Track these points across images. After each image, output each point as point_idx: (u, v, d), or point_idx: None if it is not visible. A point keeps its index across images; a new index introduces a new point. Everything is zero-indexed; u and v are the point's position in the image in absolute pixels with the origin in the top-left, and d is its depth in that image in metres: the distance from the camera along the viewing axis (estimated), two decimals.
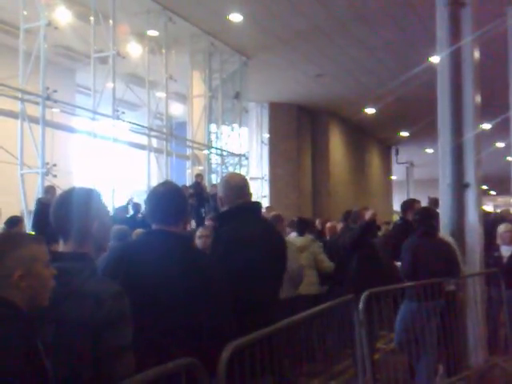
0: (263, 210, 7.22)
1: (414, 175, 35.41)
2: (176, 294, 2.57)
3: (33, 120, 11.68)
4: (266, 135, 22.28)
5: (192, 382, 2.43)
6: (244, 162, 18.71)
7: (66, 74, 16.13)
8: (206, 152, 17.44)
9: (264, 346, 3.00)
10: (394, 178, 34.55)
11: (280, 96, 21.32)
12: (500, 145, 25.65)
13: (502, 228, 7.41)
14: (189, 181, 16.47)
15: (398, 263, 5.99)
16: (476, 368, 6.34)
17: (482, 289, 6.69)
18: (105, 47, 13.07)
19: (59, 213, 2.35)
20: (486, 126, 19.15)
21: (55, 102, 11.83)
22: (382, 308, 5.38)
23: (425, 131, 20.12)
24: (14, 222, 8.22)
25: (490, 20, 9.68)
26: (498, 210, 16.79)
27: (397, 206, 24.63)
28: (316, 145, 24.01)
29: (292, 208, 19.76)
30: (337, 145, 25.24)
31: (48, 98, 11.38)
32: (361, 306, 4.70)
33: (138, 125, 15.10)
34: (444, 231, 6.47)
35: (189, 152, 17.39)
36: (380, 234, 9.98)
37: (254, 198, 3.59)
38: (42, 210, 9.31)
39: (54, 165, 11.46)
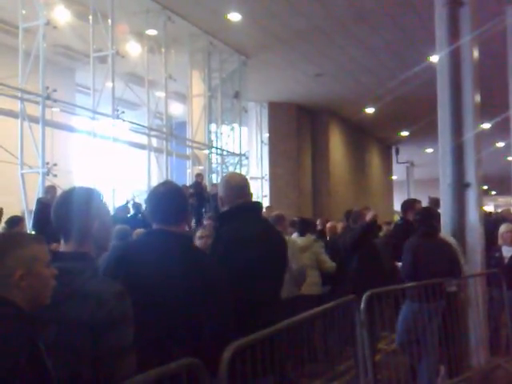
0: (263, 210, 7.21)
1: (414, 175, 35.44)
2: (176, 294, 2.56)
3: (33, 119, 11.68)
4: (266, 135, 22.28)
5: (193, 382, 2.42)
6: (244, 162, 18.72)
7: (65, 74, 16.12)
8: (206, 152, 17.44)
9: (265, 347, 2.99)
10: (394, 177, 34.56)
11: (280, 96, 21.32)
12: (500, 144, 25.66)
13: (503, 228, 7.40)
14: (189, 180, 16.47)
15: (399, 263, 5.97)
16: (478, 369, 6.33)
17: (483, 289, 6.68)
18: (104, 46, 13.07)
19: (60, 212, 2.35)
20: (486, 126, 19.15)
21: (55, 101, 11.83)
22: (383, 309, 5.38)
23: (425, 131, 20.13)
24: (15, 221, 8.22)
25: (489, 19, 9.69)
26: (499, 210, 16.79)
27: (397, 206, 24.62)
28: (316, 144, 24.02)
29: (292, 208, 19.76)
30: (337, 144, 25.24)
31: (48, 98, 11.38)
32: (362, 306, 4.69)
33: (137, 124, 15.10)
34: (445, 231, 6.47)
35: (189, 152, 17.39)
36: (381, 234, 9.98)
37: (254, 198, 3.58)
38: (43, 210, 9.31)
39: (55, 164, 11.46)
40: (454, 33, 6.82)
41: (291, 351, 3.83)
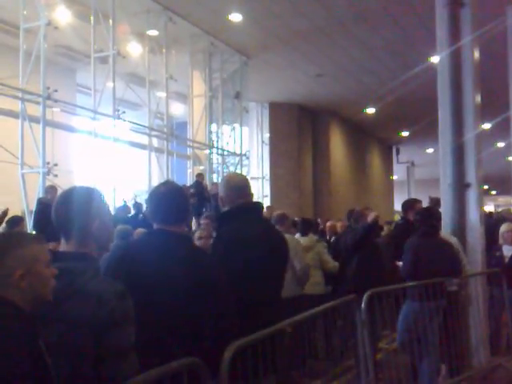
0: (264, 210, 7.21)
1: (414, 175, 35.41)
2: (177, 294, 2.56)
3: (33, 119, 11.68)
4: (267, 135, 22.28)
5: (194, 381, 2.42)
6: (245, 162, 18.72)
7: (66, 74, 16.13)
8: (206, 152, 17.44)
9: (266, 346, 2.99)
10: (394, 177, 34.54)
11: (280, 96, 21.32)
12: (500, 144, 25.65)
13: (503, 228, 7.41)
14: (190, 180, 16.47)
15: (400, 263, 5.97)
16: (478, 368, 6.33)
17: (483, 288, 6.69)
18: (105, 47, 13.07)
19: (60, 212, 2.35)
20: (487, 126, 19.14)
21: (56, 101, 11.83)
22: (384, 308, 5.38)
23: (425, 131, 20.13)
24: (15, 221, 8.23)
25: (490, 20, 9.68)
26: (500, 209, 16.79)
27: (398, 206, 24.63)
28: (317, 144, 24.01)
29: (293, 208, 19.74)
30: (337, 144, 25.24)
31: (48, 98, 11.38)
32: (363, 306, 4.69)
33: (138, 124, 15.10)
34: (445, 231, 6.47)
35: (189, 152, 17.38)
36: (383, 233, 9.98)
37: (255, 198, 3.59)
38: (43, 210, 9.31)
39: (55, 164, 11.45)
40: (454, 33, 6.82)
41: (292, 351, 3.83)
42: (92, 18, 12.79)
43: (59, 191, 8.43)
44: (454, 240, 6.25)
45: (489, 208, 30.75)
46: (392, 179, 34.09)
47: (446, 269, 5.67)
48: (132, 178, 17.93)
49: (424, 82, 14.42)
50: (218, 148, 17.52)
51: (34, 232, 9.50)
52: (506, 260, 7.20)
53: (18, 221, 8.33)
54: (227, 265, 2.88)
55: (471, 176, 6.69)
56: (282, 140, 22.13)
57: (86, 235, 2.34)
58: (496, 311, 7.16)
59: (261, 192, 20.86)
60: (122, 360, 2.12)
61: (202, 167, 17.43)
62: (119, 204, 12.69)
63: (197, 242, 5.36)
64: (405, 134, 28.10)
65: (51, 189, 10.22)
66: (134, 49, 15.05)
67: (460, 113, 6.74)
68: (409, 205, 7.07)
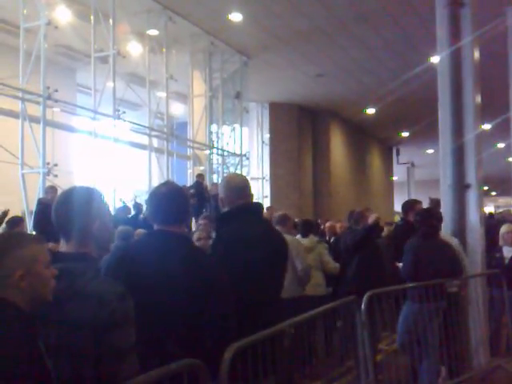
0: (264, 211, 7.20)
1: (414, 176, 35.40)
2: (177, 295, 2.56)
3: (33, 119, 11.67)
4: (267, 135, 22.28)
5: (194, 382, 2.42)
6: (245, 162, 18.72)
7: (66, 74, 16.13)
8: (206, 152, 17.43)
9: (266, 347, 2.99)
10: (394, 178, 34.54)
11: (280, 96, 21.32)
12: (501, 145, 25.66)
13: (503, 229, 7.41)
14: (190, 181, 16.46)
15: (400, 264, 5.97)
16: (478, 369, 6.33)
17: (483, 290, 6.69)
18: (105, 46, 13.06)
19: (60, 212, 2.34)
20: (487, 127, 19.14)
21: (56, 101, 11.81)
22: (384, 309, 5.38)
23: (425, 131, 20.15)
24: (15, 222, 8.22)
25: (490, 20, 9.69)
26: (500, 210, 16.79)
27: (398, 207, 24.62)
28: (317, 145, 24.01)
29: (293, 208, 19.73)
30: (338, 145, 25.24)
31: (49, 98, 11.36)
32: (363, 307, 4.69)
33: (138, 125, 15.09)
34: (445, 232, 6.46)
35: (190, 152, 17.38)
36: (383, 234, 9.96)
37: (255, 199, 3.58)
38: (43, 210, 9.30)
39: (55, 165, 11.44)
40: (454, 33, 6.82)
41: (292, 352, 3.83)
42: (92, 17, 12.78)
43: (59, 191, 8.42)
44: (454, 241, 6.25)
45: (489, 209, 30.73)
46: (392, 180, 34.08)
47: (446, 270, 5.67)
48: (132, 178, 17.92)
49: (424, 83, 14.43)
50: (218, 148, 17.51)
51: (34, 232, 9.50)
52: (506, 261, 7.20)
53: (17, 221, 8.32)
54: (227, 265, 2.87)
55: (471, 177, 6.70)
56: (282, 140, 22.13)
57: (87, 236, 2.33)
58: (496, 312, 7.16)
59: (261, 192, 20.86)
60: (122, 361, 2.11)
61: (202, 167, 17.43)
62: (119, 205, 12.67)
63: (196, 244, 5.37)
64: (405, 134, 28.10)
65: (51, 189, 10.22)
66: (134, 48, 15.05)
67: (460, 113, 6.74)
68: (409, 206, 7.06)
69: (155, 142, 16.38)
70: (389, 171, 33.25)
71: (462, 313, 6.06)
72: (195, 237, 5.63)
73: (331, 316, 4.54)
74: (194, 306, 2.58)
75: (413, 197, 26.77)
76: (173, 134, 16.06)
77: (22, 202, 11.44)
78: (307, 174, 23.43)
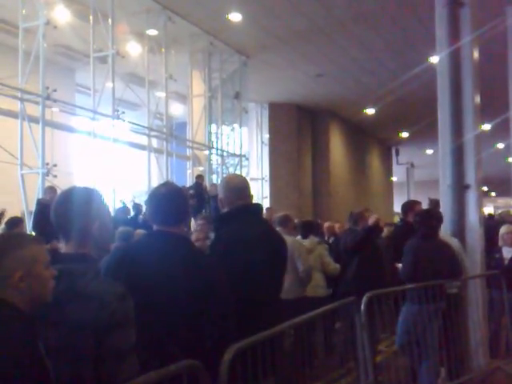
0: (264, 212, 7.18)
1: (414, 176, 35.39)
2: (177, 295, 2.57)
3: (32, 120, 11.67)
4: (266, 135, 22.29)
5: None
6: (244, 163, 18.73)
7: (65, 74, 16.12)
8: (206, 152, 17.43)
9: (266, 348, 2.99)
10: (394, 178, 34.54)
11: (280, 96, 21.32)
12: (500, 146, 25.67)
13: (503, 229, 7.41)
14: (189, 181, 16.47)
15: (399, 265, 5.97)
16: (478, 371, 6.32)
17: (483, 291, 6.68)
18: (104, 46, 13.06)
19: (59, 212, 2.33)
20: (486, 127, 19.15)
21: (55, 101, 11.83)
22: (383, 310, 5.37)
23: (425, 132, 20.15)
24: (15, 222, 8.22)
25: (490, 20, 9.68)
26: (500, 211, 16.78)
27: (397, 207, 24.62)
28: (316, 145, 24.02)
29: (292, 209, 19.72)
30: (337, 145, 25.24)
31: (48, 98, 11.37)
32: (362, 308, 4.68)
33: (138, 125, 15.09)
34: (445, 232, 6.45)
35: (189, 152, 17.38)
36: (383, 235, 9.95)
37: (254, 199, 3.58)
38: (42, 211, 9.29)
39: (55, 165, 11.45)
40: (454, 33, 6.81)
41: (292, 353, 3.83)
42: (91, 17, 12.79)
43: (58, 192, 8.42)
44: (455, 241, 6.24)
45: (488, 209, 30.75)
46: (391, 180, 34.09)
47: (445, 271, 5.67)
48: (131, 178, 17.92)
49: (423, 83, 14.43)
50: (217, 149, 17.51)
51: (33, 233, 9.50)
52: (506, 262, 7.20)
53: (17, 222, 8.32)
54: (227, 266, 2.87)
55: (471, 177, 6.69)
56: (281, 140, 22.14)
57: (86, 236, 2.33)
58: (495, 314, 7.15)
59: (260, 193, 20.86)
60: (122, 361, 2.11)
61: (201, 168, 17.43)
62: (118, 205, 12.67)
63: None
64: (404, 134, 28.11)
65: (50, 189, 10.21)
66: (134, 48, 15.05)
67: (460, 114, 6.73)
68: (408, 206, 7.05)
69: (154, 143, 16.38)
70: (388, 171, 33.26)
71: (461, 314, 6.05)
72: (193, 238, 5.62)
73: (331, 317, 4.53)
74: (194, 306, 2.58)
75: (412, 197, 26.85)
76: (172, 135, 16.05)
77: (21, 203, 11.44)
78: (307, 174, 23.43)
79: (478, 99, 6.86)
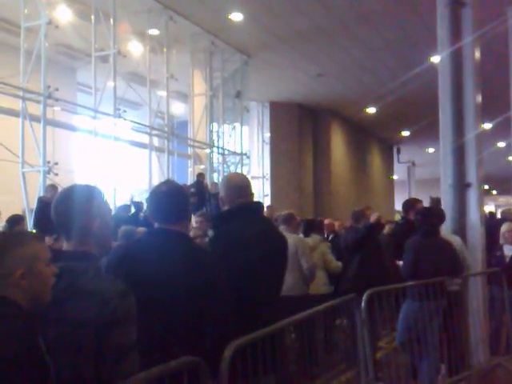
0: (265, 210, 7.19)
1: (415, 175, 35.34)
2: (177, 293, 2.57)
3: (34, 118, 11.68)
4: (268, 134, 22.28)
5: (194, 380, 2.42)
6: (245, 161, 18.71)
7: (67, 73, 16.14)
8: (207, 151, 17.44)
9: (266, 345, 3.00)
10: (395, 177, 34.50)
11: (281, 95, 21.32)
12: (501, 144, 25.65)
13: (504, 227, 7.42)
14: (190, 180, 16.47)
15: (400, 262, 5.98)
16: (478, 368, 6.33)
17: (483, 288, 6.69)
18: (106, 46, 13.08)
19: (60, 209, 2.33)
20: (487, 126, 19.14)
21: (56, 100, 11.82)
22: (383, 307, 5.38)
23: (426, 131, 20.12)
24: (16, 220, 8.24)
25: (491, 20, 9.69)
26: (500, 210, 16.78)
27: (398, 206, 24.62)
28: (317, 144, 24.00)
29: (293, 207, 19.56)
30: (338, 144, 25.23)
31: (49, 97, 11.38)
32: (363, 305, 4.70)
33: (139, 123, 15.10)
34: (446, 231, 6.46)
35: (190, 151, 17.39)
36: (385, 232, 9.95)
37: (255, 198, 3.58)
38: (43, 209, 9.32)
39: (56, 163, 11.45)
40: (455, 33, 6.82)
41: (292, 349, 3.84)
42: (93, 16, 12.79)
43: (60, 190, 8.43)
44: (457, 239, 6.25)
45: (489, 208, 30.72)
46: (392, 179, 34.05)
47: (446, 268, 5.68)
48: (132, 177, 17.93)
49: (425, 82, 14.40)
50: (218, 147, 17.51)
51: (34, 231, 9.51)
52: (507, 260, 7.21)
53: (18, 220, 8.34)
54: (227, 264, 2.88)
55: (472, 176, 6.70)
56: (282, 139, 22.13)
57: (87, 234, 2.33)
58: (496, 311, 7.16)
59: (261, 191, 20.85)
60: (123, 358, 2.11)
61: (202, 166, 17.43)
62: (120, 203, 12.67)
63: None
64: (405, 133, 28.07)
65: (52, 188, 10.24)
66: (135, 48, 15.06)
67: (461, 113, 6.74)
68: (409, 205, 7.06)
69: (156, 141, 16.39)
70: (389, 170, 33.22)
71: (462, 311, 6.06)
72: (191, 235, 5.63)
73: (331, 314, 4.54)
74: (194, 303, 2.58)
75: (413, 196, 26.77)
76: (173, 133, 16.07)
77: (22, 201, 11.45)
78: (308, 173, 23.42)
79: (479, 98, 6.87)
